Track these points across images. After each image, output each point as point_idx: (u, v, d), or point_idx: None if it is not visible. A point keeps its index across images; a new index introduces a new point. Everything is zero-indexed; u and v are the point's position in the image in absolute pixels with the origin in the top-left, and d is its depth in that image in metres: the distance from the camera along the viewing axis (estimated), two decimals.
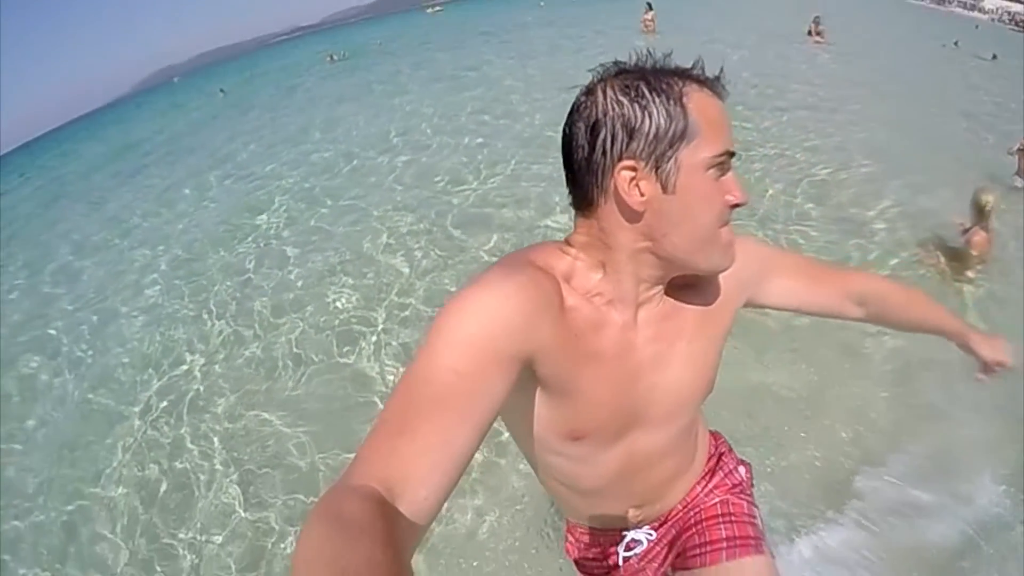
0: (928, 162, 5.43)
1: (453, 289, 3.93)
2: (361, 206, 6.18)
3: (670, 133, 0.68)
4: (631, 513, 0.99)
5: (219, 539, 2.76)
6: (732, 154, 0.72)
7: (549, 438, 0.81)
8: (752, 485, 1.14)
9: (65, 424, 4.20)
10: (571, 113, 0.73)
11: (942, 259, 3.76)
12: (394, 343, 3.77)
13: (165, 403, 3.90)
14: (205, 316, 4.83)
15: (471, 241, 4.85)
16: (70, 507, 3.33)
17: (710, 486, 1.05)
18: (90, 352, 5.12)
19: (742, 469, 1.12)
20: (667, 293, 0.82)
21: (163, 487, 3.21)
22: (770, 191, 5.01)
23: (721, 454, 1.12)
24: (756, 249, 0.92)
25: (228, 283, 5.27)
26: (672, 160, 0.68)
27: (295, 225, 6.19)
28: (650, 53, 0.74)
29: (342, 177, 7.46)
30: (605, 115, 0.69)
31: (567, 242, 0.78)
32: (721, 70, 0.74)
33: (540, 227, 4.81)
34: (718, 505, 1.03)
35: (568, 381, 0.73)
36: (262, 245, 5.90)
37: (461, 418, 0.57)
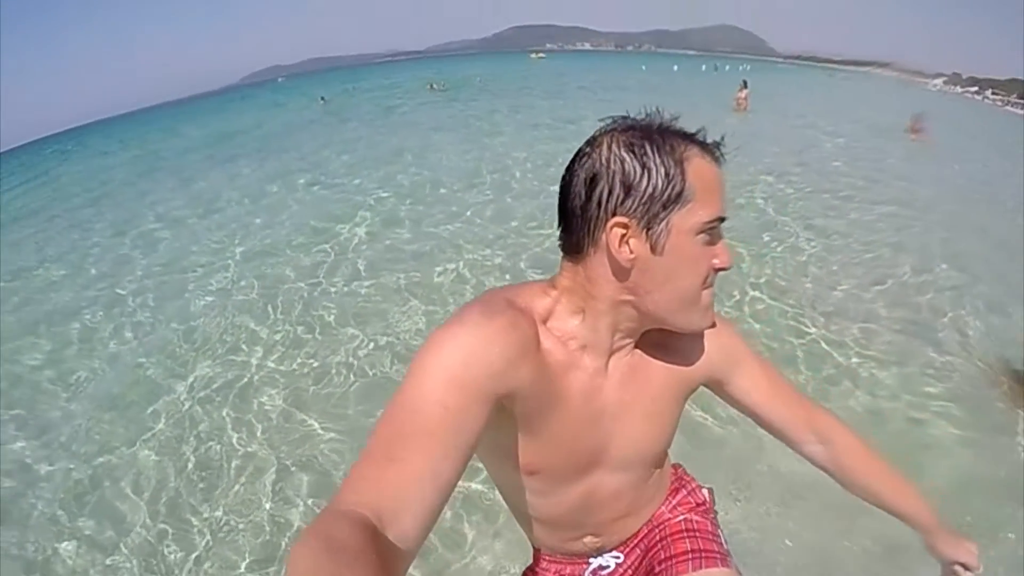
0: (1008, 277, 5.29)
1: None
2: (440, 234, 6.47)
3: (666, 195, 0.71)
4: (589, 540, 1.04)
5: (238, 526, 2.87)
6: (723, 219, 0.76)
7: (509, 469, 0.87)
8: (715, 507, 1.17)
9: (113, 382, 4.50)
10: (573, 161, 0.77)
11: (1006, 382, 3.62)
12: None
13: (214, 385, 4.12)
14: (269, 310, 5.11)
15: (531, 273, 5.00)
16: (100, 460, 3.56)
17: (674, 503, 1.11)
18: (151, 320, 5.50)
19: (704, 491, 1.16)
20: (640, 347, 0.88)
21: (193, 463, 3.38)
22: (844, 284, 5.00)
23: (682, 477, 1.17)
24: (733, 336, 0.96)
25: (298, 284, 5.57)
26: (664, 222, 0.72)
27: (372, 241, 6.53)
28: (659, 111, 0.79)
29: (426, 203, 7.83)
30: (605, 168, 0.72)
31: (551, 283, 0.82)
32: (722, 138, 0.79)
33: None
34: (682, 522, 1.09)
35: (534, 419, 0.79)
36: (337, 254, 6.24)
37: (447, 449, 0.61)
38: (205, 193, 11.06)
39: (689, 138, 0.76)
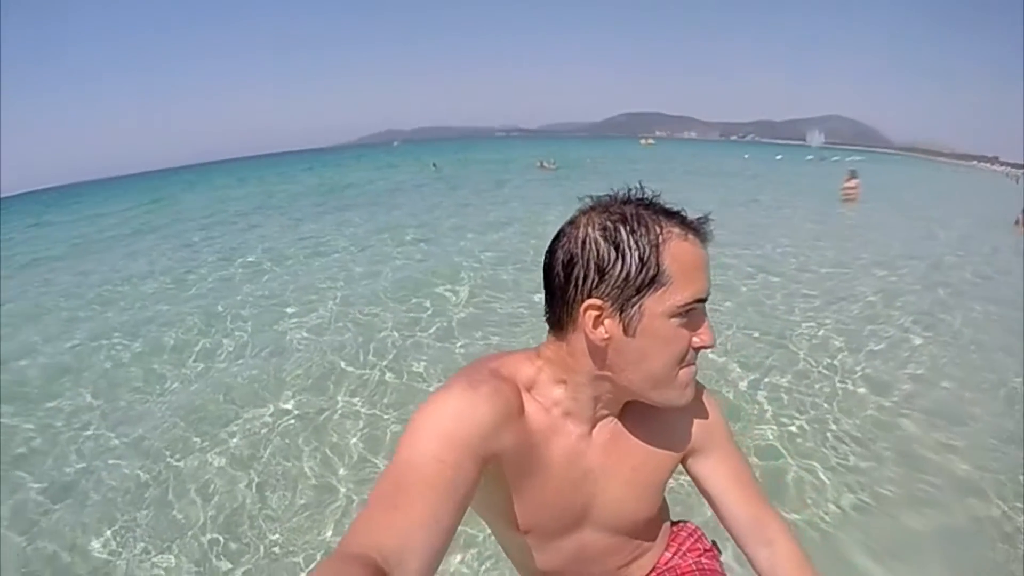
0: None
1: None
2: (538, 302, 6.47)
3: (639, 280, 0.75)
4: None
5: (291, 550, 2.86)
6: (703, 300, 0.80)
7: (503, 527, 0.95)
8: (720, 556, 1.21)
9: (198, 393, 4.80)
10: (554, 239, 0.82)
11: None
12: None
13: (295, 413, 4.28)
14: (360, 354, 5.31)
15: None
16: (170, 460, 3.78)
17: (684, 549, 1.15)
18: (245, 342, 5.88)
19: (709, 540, 1.20)
20: (626, 417, 0.93)
21: (260, 482, 3.46)
22: (946, 383, 4.60)
23: (688, 527, 1.21)
24: (718, 419, 1.00)
25: (393, 333, 5.78)
26: (637, 306, 0.76)
27: (473, 304, 6.71)
28: (641, 187, 0.83)
29: (528, 271, 8.02)
30: (580, 251, 0.77)
31: (537, 352, 0.88)
32: (708, 215, 0.82)
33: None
34: (693, 565, 1.12)
35: (520, 481, 0.85)
36: (435, 310, 6.45)
37: (446, 498, 0.67)
38: (313, 236, 11.98)
39: (670, 218, 0.80)
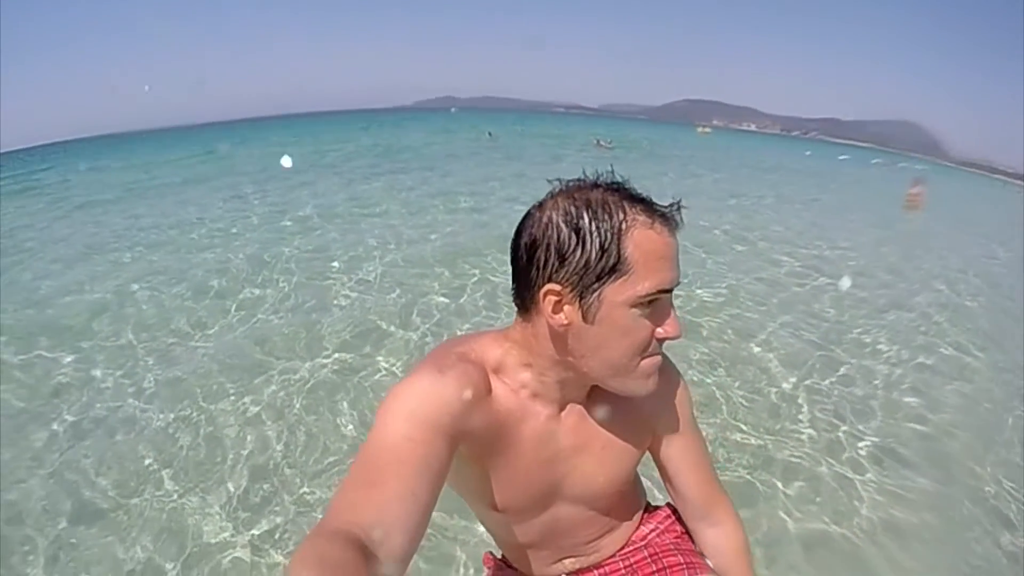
0: None
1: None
2: None
3: (598, 268, 0.77)
4: (569, 562, 1.15)
5: (320, 512, 2.92)
6: (668, 291, 0.81)
7: (478, 505, 1.02)
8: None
9: (240, 337, 4.95)
10: (522, 221, 0.85)
11: None
12: None
13: (335, 368, 4.32)
14: (404, 315, 5.33)
15: (694, 347, 4.80)
16: (207, 404, 3.89)
17: (662, 528, 1.21)
18: (289, 292, 6.02)
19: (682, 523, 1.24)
20: (595, 395, 0.96)
21: (294, 431, 3.55)
22: (987, 404, 4.37)
23: (663, 508, 1.27)
24: (684, 400, 1.07)
25: (439, 298, 5.79)
26: (596, 293, 0.78)
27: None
28: (612, 171, 0.84)
29: None
30: (543, 235, 0.79)
31: (505, 333, 0.91)
32: (679, 202, 0.83)
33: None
34: (671, 544, 1.19)
35: (491, 461, 0.90)
36: (481, 279, 6.41)
37: (420, 473, 0.70)
38: (365, 196, 12.14)
39: (636, 204, 0.80)
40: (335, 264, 6.97)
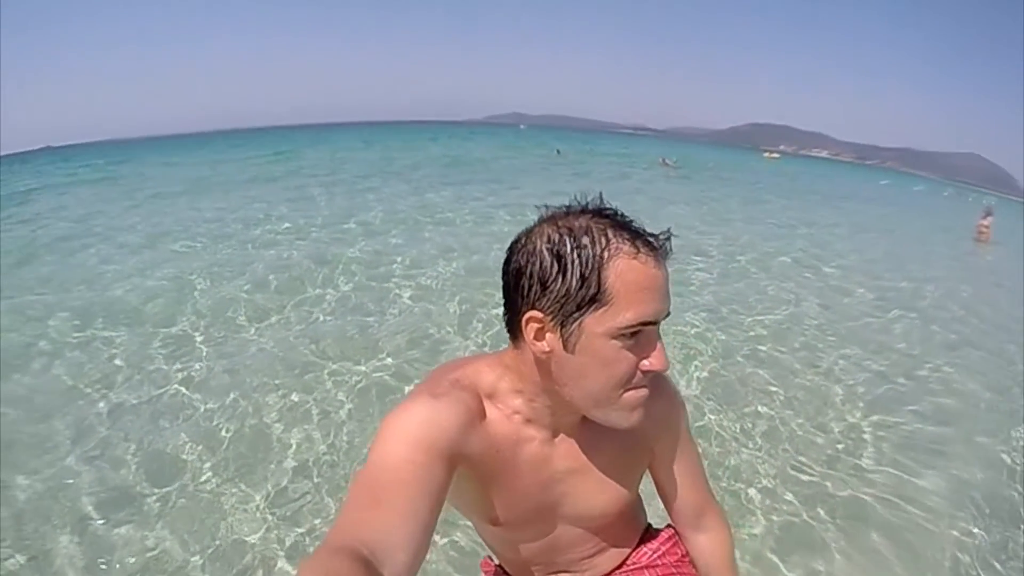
0: None
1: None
2: None
3: (578, 298, 0.77)
4: None
5: None
6: (653, 323, 0.80)
7: (476, 520, 1.06)
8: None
9: (295, 334, 4.95)
10: (511, 246, 0.85)
11: None
12: None
13: (390, 372, 4.28)
14: (461, 328, 5.24)
15: (749, 372, 4.67)
16: (258, 395, 3.92)
17: (663, 550, 1.22)
18: (348, 293, 6.04)
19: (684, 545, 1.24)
20: (590, 420, 0.93)
21: (341, 437, 3.48)
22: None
23: (667, 529, 1.27)
24: (679, 414, 1.09)
25: (499, 310, 5.62)
26: (577, 323, 0.78)
27: None
28: (601, 198, 0.84)
29: None
30: (527, 263, 0.80)
31: (499, 358, 0.92)
32: (668, 232, 0.82)
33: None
34: (670, 565, 1.21)
35: (488, 483, 0.93)
36: None
37: (422, 494, 0.73)
38: (432, 204, 12.29)
39: (621, 233, 0.79)
40: (396, 268, 7.00)
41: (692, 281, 7.32)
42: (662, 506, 1.19)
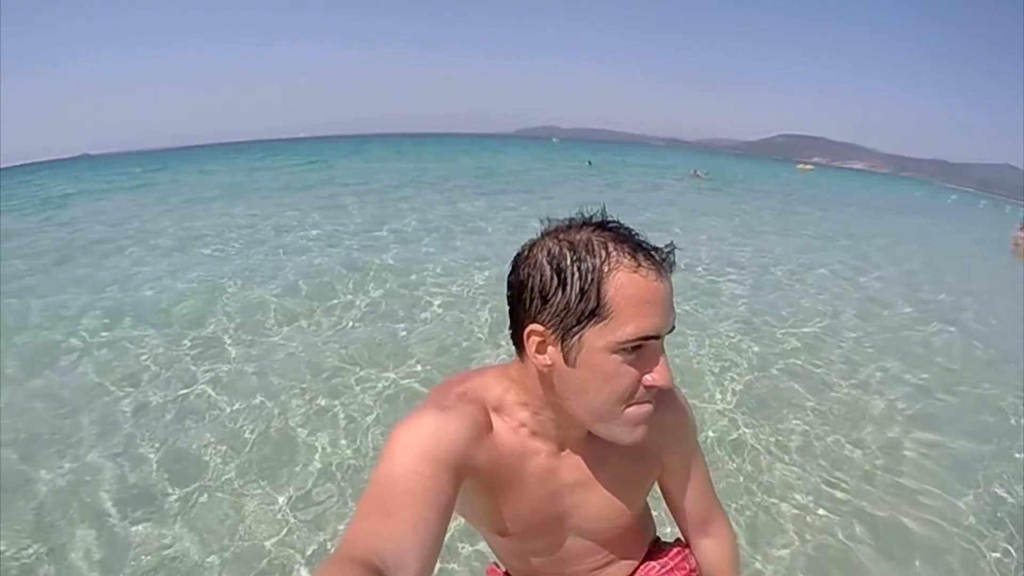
0: None
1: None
2: (690, 313, 6.21)
3: (578, 311, 0.76)
4: None
5: None
6: (655, 338, 0.79)
7: (484, 529, 1.06)
8: None
9: (325, 340, 4.94)
10: (513, 260, 0.85)
11: None
12: None
13: (414, 383, 4.21)
14: (492, 337, 5.16)
15: (784, 384, 4.54)
16: (285, 397, 3.91)
17: (671, 565, 1.21)
18: (379, 300, 6.03)
19: (693, 559, 1.24)
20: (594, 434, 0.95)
21: (363, 444, 3.41)
22: None
23: (676, 544, 1.26)
24: (688, 426, 1.08)
25: None
26: (577, 337, 0.77)
27: None
28: (603, 212, 0.83)
29: (678, 276, 7.60)
30: (528, 276, 0.80)
31: (505, 371, 0.92)
32: (671, 245, 0.80)
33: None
34: None
35: (495, 495, 0.93)
36: None
37: (431, 505, 0.73)
38: (465, 213, 12.36)
39: (623, 246, 0.79)
40: (428, 276, 6.99)
41: (725, 292, 7.24)
42: (669, 517, 1.20)
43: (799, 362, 5.04)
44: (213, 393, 3.98)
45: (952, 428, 4.04)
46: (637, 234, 0.82)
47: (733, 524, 3.02)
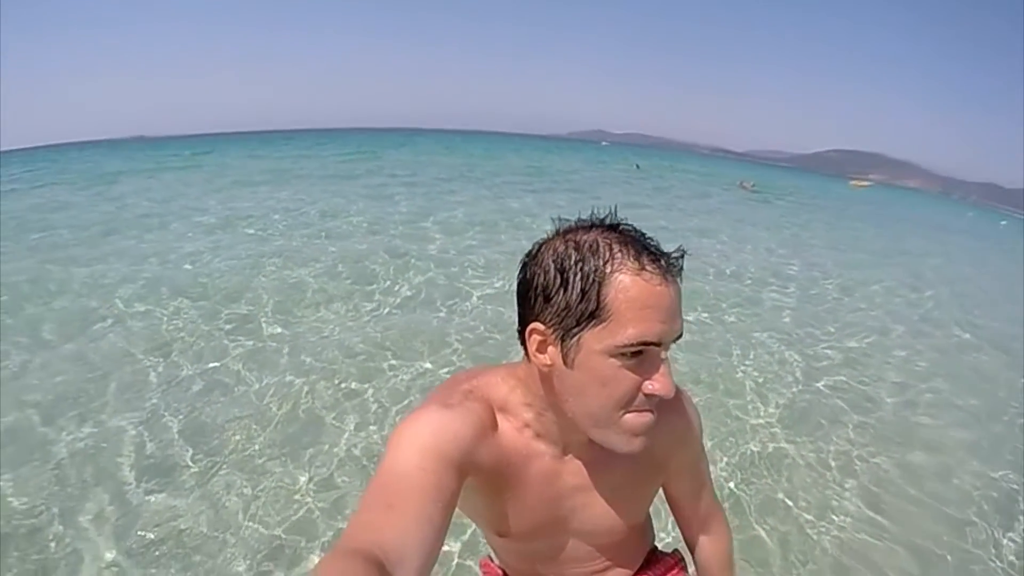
0: None
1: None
2: (727, 319, 6.05)
3: (578, 312, 0.76)
4: None
5: None
6: (656, 344, 0.77)
7: (484, 527, 1.07)
8: None
9: (364, 325, 4.89)
10: (523, 259, 0.85)
11: None
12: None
13: (454, 368, 4.09)
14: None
15: (829, 402, 4.24)
16: (318, 379, 3.81)
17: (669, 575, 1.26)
18: (423, 292, 5.95)
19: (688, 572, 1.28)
20: None
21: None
22: None
23: (673, 554, 1.30)
24: (696, 432, 1.07)
25: None
26: (576, 338, 0.77)
27: None
28: (613, 213, 0.81)
29: (722, 284, 7.59)
30: (534, 275, 0.81)
31: (512, 371, 0.92)
32: (680, 250, 0.78)
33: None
34: None
35: (497, 494, 0.94)
36: None
37: (434, 499, 0.73)
38: (512, 209, 12.34)
39: (628, 249, 0.77)
40: (470, 269, 6.94)
41: (771, 303, 7.09)
42: (667, 528, 1.18)
43: (843, 378, 4.87)
44: (242, 369, 3.96)
45: (1001, 460, 3.83)
46: (647, 237, 0.80)
47: (766, 540, 2.92)
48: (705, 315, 6.15)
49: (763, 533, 2.79)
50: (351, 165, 22.83)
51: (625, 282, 0.75)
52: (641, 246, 0.78)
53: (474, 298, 5.83)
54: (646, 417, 0.82)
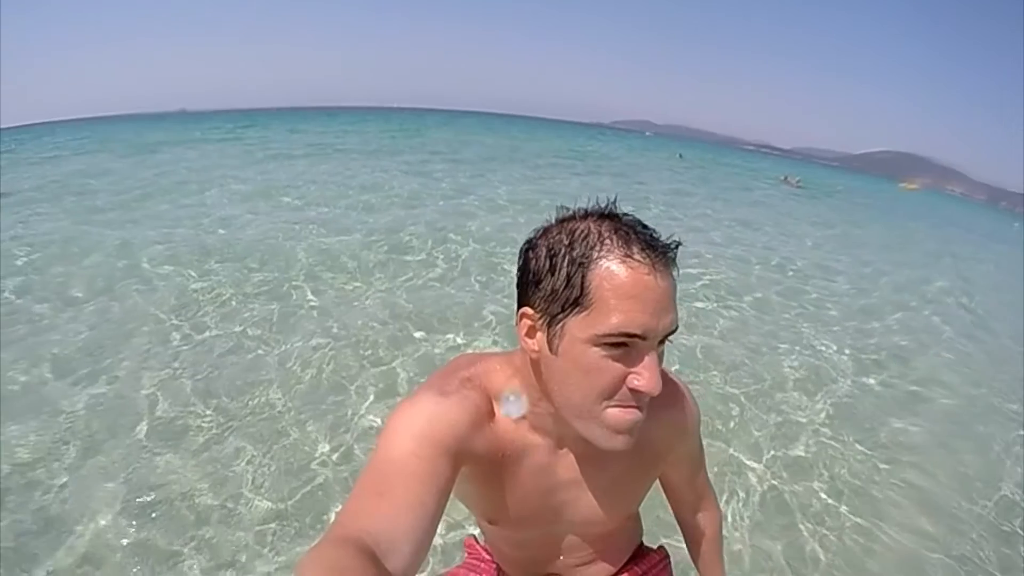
0: None
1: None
2: (783, 319, 5.85)
3: (563, 298, 0.75)
4: None
5: None
6: (640, 337, 0.74)
7: (477, 515, 1.09)
8: None
9: (400, 298, 4.78)
10: (523, 245, 0.85)
11: None
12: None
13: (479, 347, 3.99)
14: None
15: (877, 401, 4.01)
16: (336, 366, 3.66)
17: (652, 572, 1.27)
18: (459, 267, 5.86)
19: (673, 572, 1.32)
20: None
21: None
22: None
23: (658, 551, 1.33)
24: (695, 419, 1.06)
25: None
26: (561, 325, 0.76)
27: (706, 295, 6.14)
28: (612, 201, 0.80)
29: (765, 275, 7.46)
30: (529, 260, 0.80)
31: (510, 358, 0.92)
32: (674, 240, 0.75)
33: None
34: None
35: (490, 483, 0.94)
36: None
37: (428, 486, 0.73)
38: (554, 189, 12.27)
39: (618, 238, 0.75)
40: (508, 247, 6.79)
41: (816, 299, 6.95)
42: (653, 523, 1.11)
43: (895, 377, 4.69)
44: (267, 332, 3.92)
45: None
46: (644, 227, 0.77)
47: (819, 552, 2.74)
48: (746, 304, 6.08)
49: (805, 532, 2.64)
50: (394, 142, 22.98)
51: (611, 269, 0.73)
52: (633, 234, 0.75)
53: (511, 274, 5.70)
54: (631, 414, 0.79)
